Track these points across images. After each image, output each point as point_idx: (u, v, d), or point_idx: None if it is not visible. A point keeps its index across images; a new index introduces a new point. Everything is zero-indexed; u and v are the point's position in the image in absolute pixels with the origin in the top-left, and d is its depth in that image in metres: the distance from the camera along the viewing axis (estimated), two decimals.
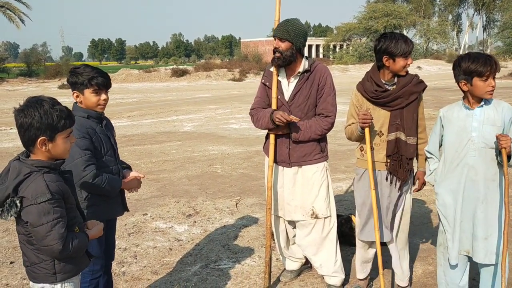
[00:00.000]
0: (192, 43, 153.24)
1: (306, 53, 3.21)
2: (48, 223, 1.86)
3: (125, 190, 2.85)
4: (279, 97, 3.23)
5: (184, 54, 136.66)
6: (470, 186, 2.64)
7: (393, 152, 2.94)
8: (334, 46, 64.87)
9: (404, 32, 57.55)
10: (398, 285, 3.25)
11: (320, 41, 71.40)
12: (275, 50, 3.13)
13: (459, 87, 2.63)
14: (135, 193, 5.87)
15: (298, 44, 3.09)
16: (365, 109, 2.94)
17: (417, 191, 3.17)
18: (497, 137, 2.49)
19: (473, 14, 61.42)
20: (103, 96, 2.59)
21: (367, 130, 2.90)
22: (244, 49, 56.83)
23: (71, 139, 2.02)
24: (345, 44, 59.30)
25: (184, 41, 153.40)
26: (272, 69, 3.23)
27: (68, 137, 1.99)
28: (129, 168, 2.91)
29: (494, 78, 2.54)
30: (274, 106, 3.22)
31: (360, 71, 37.90)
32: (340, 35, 57.56)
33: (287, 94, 3.22)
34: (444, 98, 17.23)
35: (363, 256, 3.28)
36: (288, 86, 3.23)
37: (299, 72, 3.16)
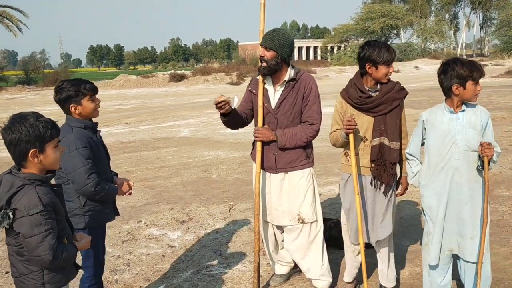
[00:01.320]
0: (190, 48, 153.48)
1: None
2: (40, 234, 1.93)
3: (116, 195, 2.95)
4: (265, 105, 3.30)
5: (182, 58, 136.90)
6: (455, 188, 2.74)
7: (377, 157, 3.01)
8: (332, 48, 65.07)
9: (401, 32, 57.90)
10: (384, 287, 3.31)
11: (318, 43, 71.62)
12: (261, 59, 3.21)
13: (450, 91, 2.69)
14: (130, 201, 5.98)
15: (283, 53, 3.16)
16: (349, 115, 3.01)
17: (400, 195, 3.23)
18: (481, 144, 2.60)
19: (470, 13, 61.61)
20: (97, 100, 2.75)
21: (351, 136, 2.97)
22: (242, 53, 57.00)
23: (59, 148, 2.10)
24: (342, 45, 59.49)
25: (182, 45, 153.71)
26: (259, 77, 3.30)
27: (56, 147, 2.07)
28: (116, 175, 3.01)
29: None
30: (260, 114, 3.30)
31: None
32: (337, 36, 57.79)
33: (273, 102, 3.29)
34: (440, 98, 17.11)
35: (352, 260, 3.35)
36: (275, 94, 3.30)
37: (284, 81, 3.24)
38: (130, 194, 2.98)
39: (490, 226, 4.44)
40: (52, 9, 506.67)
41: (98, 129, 2.84)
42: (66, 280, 2.16)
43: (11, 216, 1.93)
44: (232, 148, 9.06)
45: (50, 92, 28.96)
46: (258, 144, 3.32)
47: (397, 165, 3.14)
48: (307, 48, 77.28)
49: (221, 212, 5.38)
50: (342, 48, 59.03)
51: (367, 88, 3.02)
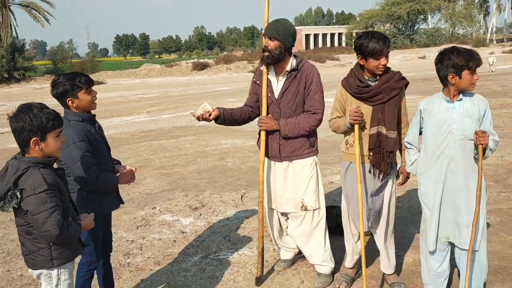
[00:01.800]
0: (215, 36, 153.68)
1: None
2: (46, 210, 2.10)
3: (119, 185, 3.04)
4: (269, 95, 3.38)
5: (206, 47, 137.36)
6: (450, 177, 2.77)
7: (375, 145, 3.05)
8: (357, 34, 64.03)
9: (429, 17, 56.39)
10: (385, 273, 3.37)
11: (343, 29, 70.55)
12: (264, 49, 3.27)
13: (446, 80, 2.72)
14: (147, 188, 6.18)
15: (286, 43, 3.22)
16: (356, 107, 3.05)
17: (401, 185, 3.27)
18: (476, 132, 2.62)
19: None
20: (94, 92, 2.81)
21: (356, 127, 3.02)
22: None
23: (61, 138, 2.26)
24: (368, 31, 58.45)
25: (207, 33, 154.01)
26: (263, 68, 3.37)
27: (58, 136, 2.23)
28: (118, 163, 3.11)
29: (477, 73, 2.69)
30: (264, 104, 3.38)
31: None
32: (362, 22, 56.80)
33: (276, 92, 3.36)
34: None
35: (352, 246, 3.42)
36: (277, 84, 3.37)
37: (287, 71, 3.30)
38: (133, 181, 3.07)
39: (500, 215, 4.49)
40: None
41: (96, 120, 2.91)
42: (73, 256, 2.34)
43: (19, 196, 2.11)
44: (249, 137, 9.14)
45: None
46: (262, 133, 3.41)
47: (397, 154, 3.17)
48: (332, 35, 76.30)
49: (233, 199, 5.51)
50: None
51: (366, 78, 3.05)
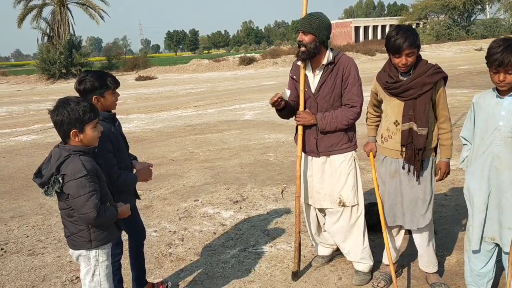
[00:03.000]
0: (263, 30, 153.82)
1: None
2: (85, 194, 2.24)
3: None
4: (306, 89, 3.35)
5: (254, 41, 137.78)
6: (494, 174, 2.65)
7: (407, 141, 2.99)
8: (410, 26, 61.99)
9: (487, 7, 53.51)
10: (425, 272, 3.27)
11: (394, 21, 68.40)
12: (299, 44, 3.25)
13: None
14: (191, 180, 6.32)
15: (321, 36, 3.18)
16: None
17: (439, 181, 3.15)
18: None
19: None
20: (117, 94, 2.89)
21: (300, 128, 3.27)
22: None
23: (98, 128, 2.39)
24: (421, 23, 56.38)
25: (255, 28, 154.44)
26: (299, 63, 3.35)
27: (95, 127, 2.37)
28: (135, 158, 3.17)
29: (507, 73, 2.49)
30: (302, 99, 3.36)
31: (436, 51, 35.96)
32: (415, 13, 54.78)
33: (313, 87, 3.33)
34: None
35: (390, 242, 3.34)
36: (314, 78, 3.33)
37: (323, 65, 3.25)
38: (150, 179, 3.10)
39: None
40: None
41: (116, 118, 2.96)
42: (110, 239, 2.47)
43: (61, 181, 2.25)
44: (292, 132, 8.96)
45: (129, 77, 30.72)
46: (300, 128, 3.39)
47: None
48: (383, 27, 74.23)
49: (273, 194, 5.52)
50: (420, 26, 55.98)
51: (399, 72, 2.98)
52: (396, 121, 3.03)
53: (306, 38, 3.17)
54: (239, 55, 37.01)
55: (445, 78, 2.96)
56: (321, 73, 3.28)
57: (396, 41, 2.83)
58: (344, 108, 3.25)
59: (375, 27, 74.01)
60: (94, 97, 2.77)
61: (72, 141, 2.31)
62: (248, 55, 36.33)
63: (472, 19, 52.38)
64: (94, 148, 2.41)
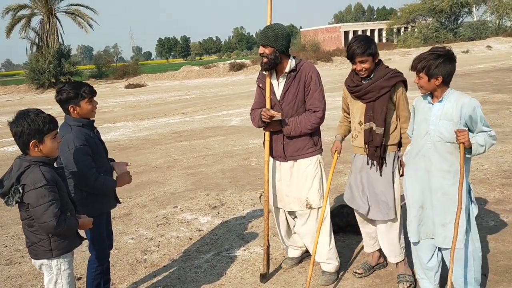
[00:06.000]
0: (254, 36, 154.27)
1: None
2: (45, 203, 2.32)
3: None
4: (272, 97, 3.46)
5: (246, 47, 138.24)
6: (425, 176, 2.83)
7: (369, 139, 3.22)
8: (398, 29, 62.54)
9: (473, 10, 54.16)
10: (391, 262, 3.44)
11: (383, 25, 69.13)
12: (261, 56, 3.37)
13: None
14: (171, 187, 6.39)
15: (280, 47, 3.30)
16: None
17: (402, 176, 3.27)
18: (455, 132, 2.63)
19: None
20: (95, 102, 2.99)
21: (336, 154, 3.39)
22: (303, 39, 56.46)
23: (57, 139, 2.47)
24: (409, 26, 56.97)
25: (246, 34, 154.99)
26: (265, 72, 3.46)
27: (54, 138, 2.44)
28: (113, 160, 3.24)
29: (420, 76, 2.73)
30: (268, 106, 3.46)
31: None
32: (403, 17, 55.38)
33: (278, 94, 3.44)
34: (506, 79, 16.22)
35: (363, 229, 3.55)
36: (278, 86, 3.45)
37: (286, 72, 3.37)
38: (129, 182, 3.14)
39: None
40: (123, 4, 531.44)
41: (95, 126, 3.06)
42: (71, 247, 2.53)
43: (21, 191, 2.33)
44: None
45: (119, 85, 30.77)
46: (267, 134, 3.50)
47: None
48: (371, 31, 74.84)
49: (252, 198, 5.61)
50: (409, 29, 56.55)
51: (360, 77, 3.22)
52: (360, 121, 3.26)
53: (267, 50, 3.30)
54: (229, 61, 37.14)
55: (404, 82, 3.14)
56: (284, 80, 3.39)
57: (350, 49, 3.11)
58: (308, 113, 3.37)
59: (364, 32, 74.57)
60: (70, 106, 2.87)
61: (32, 151, 2.38)
62: (238, 61, 36.46)
63: (459, 21, 53.01)
64: (54, 159, 2.48)
